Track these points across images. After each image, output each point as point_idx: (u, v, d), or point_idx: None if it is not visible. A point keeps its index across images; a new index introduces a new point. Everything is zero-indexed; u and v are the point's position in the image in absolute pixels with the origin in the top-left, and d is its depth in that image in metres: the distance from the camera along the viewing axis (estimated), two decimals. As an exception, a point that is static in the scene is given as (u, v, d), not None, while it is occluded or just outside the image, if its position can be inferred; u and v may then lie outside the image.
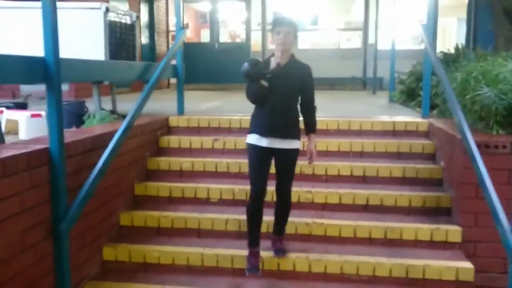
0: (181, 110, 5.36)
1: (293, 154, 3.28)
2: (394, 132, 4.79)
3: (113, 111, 4.67)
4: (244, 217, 3.78)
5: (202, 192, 4.15)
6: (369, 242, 3.68)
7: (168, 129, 5.03)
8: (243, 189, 4.07)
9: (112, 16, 4.79)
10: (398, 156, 4.47)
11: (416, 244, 3.63)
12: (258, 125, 3.24)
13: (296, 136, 3.28)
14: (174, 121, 5.05)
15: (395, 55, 7.46)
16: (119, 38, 4.83)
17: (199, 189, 4.16)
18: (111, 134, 3.58)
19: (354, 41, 12.49)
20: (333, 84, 12.36)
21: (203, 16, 13.76)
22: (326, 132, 4.74)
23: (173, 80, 12.93)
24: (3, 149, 2.74)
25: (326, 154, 4.49)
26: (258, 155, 3.25)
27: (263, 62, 3.23)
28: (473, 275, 3.31)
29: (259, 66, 3.17)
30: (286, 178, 3.35)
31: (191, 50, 11.33)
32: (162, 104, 6.20)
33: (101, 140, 3.51)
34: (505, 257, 3.65)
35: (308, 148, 3.36)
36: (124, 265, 3.60)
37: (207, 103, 7.15)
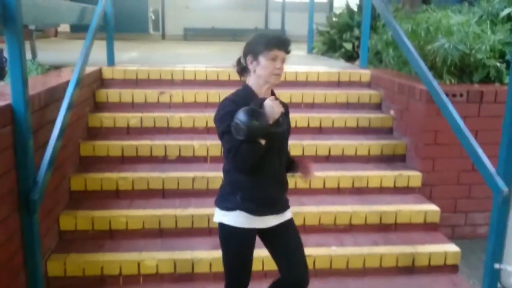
0: (111, 61, 4.83)
1: (292, 219, 2.39)
2: (339, 83, 4.84)
3: (39, 62, 4.03)
4: (212, 174, 3.61)
5: (159, 149, 3.83)
6: (338, 191, 3.73)
7: (102, 82, 4.52)
8: (203, 144, 3.86)
9: None
10: (348, 106, 4.54)
11: (382, 190, 3.76)
12: (251, 199, 2.17)
13: (288, 202, 2.38)
14: (108, 73, 4.54)
15: (313, 7, 7.44)
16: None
17: (155, 146, 3.83)
18: (59, 88, 3.15)
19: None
20: (236, 35, 12.17)
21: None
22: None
23: (61, 29, 11.76)
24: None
25: (277, 106, 4.39)
26: (249, 242, 2.24)
27: (246, 101, 2.08)
28: (439, 216, 3.54)
29: (258, 115, 1.98)
30: (301, 250, 2.38)
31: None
32: (72, 54, 5.47)
33: (54, 94, 3.04)
34: (456, 197, 3.98)
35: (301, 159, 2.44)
36: (87, 234, 3.22)
37: (123, 54, 6.55)
